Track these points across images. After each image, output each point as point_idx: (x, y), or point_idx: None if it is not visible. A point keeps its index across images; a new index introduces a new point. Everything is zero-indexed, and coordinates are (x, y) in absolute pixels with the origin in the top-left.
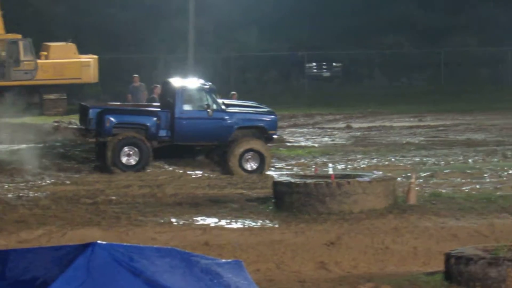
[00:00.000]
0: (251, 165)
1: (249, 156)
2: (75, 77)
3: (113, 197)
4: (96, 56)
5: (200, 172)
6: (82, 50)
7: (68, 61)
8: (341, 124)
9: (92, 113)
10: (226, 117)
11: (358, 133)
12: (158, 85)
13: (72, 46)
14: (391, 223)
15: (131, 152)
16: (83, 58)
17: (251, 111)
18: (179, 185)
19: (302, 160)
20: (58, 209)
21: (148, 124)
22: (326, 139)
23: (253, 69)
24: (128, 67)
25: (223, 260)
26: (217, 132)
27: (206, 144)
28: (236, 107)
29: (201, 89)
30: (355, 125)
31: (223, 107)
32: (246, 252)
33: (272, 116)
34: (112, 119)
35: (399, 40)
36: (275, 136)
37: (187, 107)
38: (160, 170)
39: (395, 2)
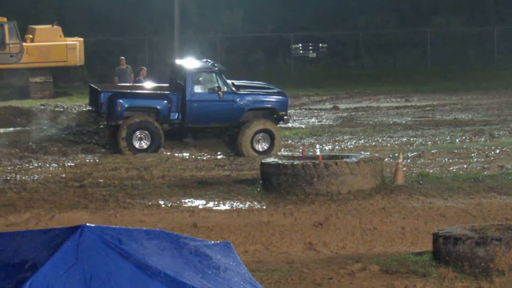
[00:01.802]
0: (262, 146)
1: (260, 137)
2: (61, 60)
3: (101, 180)
4: (81, 39)
5: (187, 154)
6: (68, 33)
7: (54, 44)
8: (328, 105)
9: (103, 97)
10: (237, 99)
11: (345, 114)
12: (144, 67)
13: (57, 29)
14: (379, 203)
15: (142, 136)
16: (69, 41)
17: (262, 92)
18: (166, 168)
19: (289, 141)
20: (45, 192)
21: (159, 107)
22: (313, 120)
23: (239, 51)
24: (113, 50)
25: (212, 242)
26: (228, 114)
27: (217, 126)
28: (246, 88)
29: (211, 71)
30: (342, 106)
31: (233, 88)
32: (234, 233)
33: (282, 97)
34: (123, 103)
35: (385, 21)
36: (285, 117)
37: (198, 90)
38: (147, 152)
39: None
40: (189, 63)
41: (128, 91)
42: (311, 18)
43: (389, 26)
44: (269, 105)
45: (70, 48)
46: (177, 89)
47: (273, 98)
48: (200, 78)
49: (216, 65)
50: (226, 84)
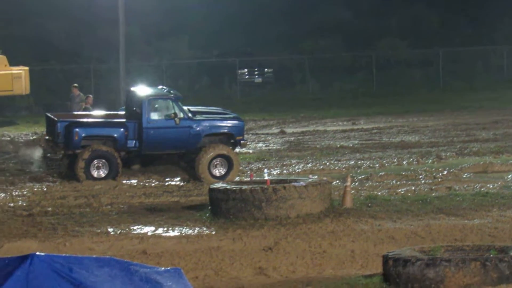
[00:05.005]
0: (219, 171)
1: (217, 162)
2: (7, 89)
3: (49, 208)
4: (27, 68)
5: (135, 181)
6: (13, 62)
7: None
8: (275, 130)
9: (60, 126)
10: (194, 125)
11: (292, 138)
12: (90, 95)
13: (2, 58)
14: (328, 227)
15: (100, 164)
16: (14, 70)
17: (218, 118)
18: (114, 195)
19: None
20: None
21: (116, 135)
22: (260, 144)
23: (185, 77)
24: (59, 78)
25: (162, 269)
26: (185, 140)
27: (174, 152)
28: (202, 114)
29: (167, 98)
30: (289, 130)
31: (189, 115)
32: (184, 259)
33: (239, 122)
34: (80, 132)
35: (330, 44)
36: (242, 142)
37: (154, 117)
38: (95, 180)
39: (324, 6)
40: (145, 90)
41: (85, 120)
42: (256, 43)
43: (334, 49)
44: (226, 130)
45: (16, 77)
46: (134, 116)
47: (230, 123)
48: (156, 105)
49: (172, 91)
50: (182, 110)
